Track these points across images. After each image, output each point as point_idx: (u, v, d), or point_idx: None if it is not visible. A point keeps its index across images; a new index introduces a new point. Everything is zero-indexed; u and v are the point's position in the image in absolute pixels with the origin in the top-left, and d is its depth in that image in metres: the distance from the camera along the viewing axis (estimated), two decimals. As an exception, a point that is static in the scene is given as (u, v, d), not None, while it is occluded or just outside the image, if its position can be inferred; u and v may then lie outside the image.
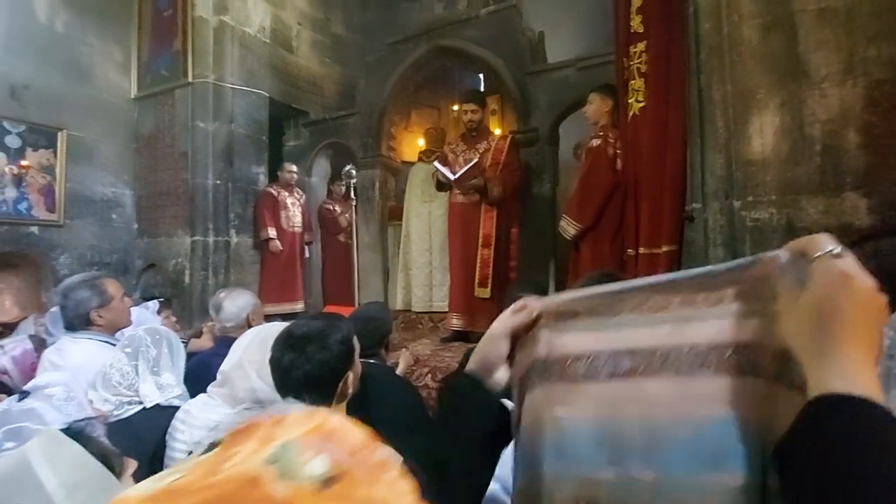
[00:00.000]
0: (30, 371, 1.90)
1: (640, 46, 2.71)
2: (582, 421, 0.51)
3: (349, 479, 0.32)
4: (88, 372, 1.59)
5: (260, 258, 4.86)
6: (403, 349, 2.65)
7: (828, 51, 2.11)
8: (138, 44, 4.71)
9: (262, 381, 1.23)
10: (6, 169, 3.81)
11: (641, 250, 2.73)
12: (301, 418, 0.37)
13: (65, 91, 4.22)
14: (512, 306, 0.61)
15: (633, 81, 2.76)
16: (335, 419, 0.38)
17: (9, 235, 3.89)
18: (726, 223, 2.35)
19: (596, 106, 3.11)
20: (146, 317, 2.53)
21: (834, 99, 2.10)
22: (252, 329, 1.53)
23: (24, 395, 1.15)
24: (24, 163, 3.89)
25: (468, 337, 3.64)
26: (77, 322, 1.85)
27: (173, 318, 3.40)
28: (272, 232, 4.71)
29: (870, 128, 2.03)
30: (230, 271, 4.63)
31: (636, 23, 2.74)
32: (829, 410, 0.36)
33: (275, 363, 1.13)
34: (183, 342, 2.41)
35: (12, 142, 3.85)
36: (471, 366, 0.60)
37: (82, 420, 0.98)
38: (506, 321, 0.60)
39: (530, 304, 0.59)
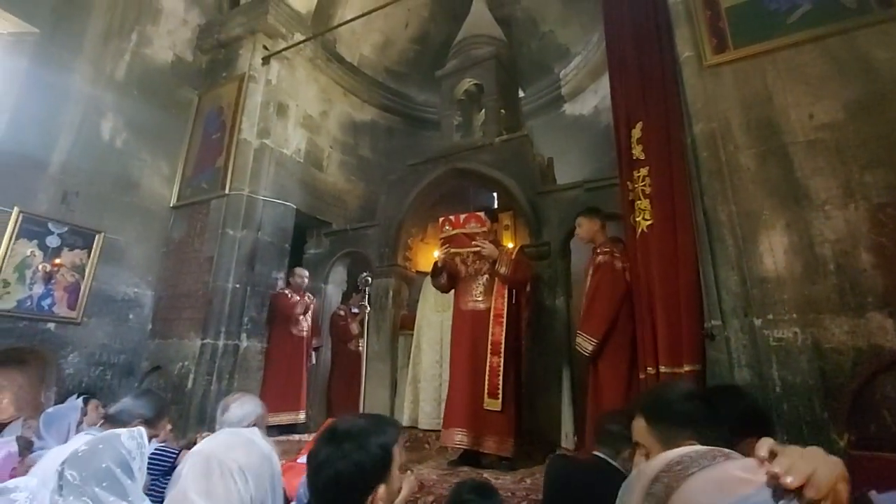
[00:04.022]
0: (8, 476, 1.77)
1: (643, 171, 2.90)
2: None
3: None
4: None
5: (264, 364, 4.75)
6: (407, 472, 2.42)
7: (824, 177, 2.22)
8: (185, 160, 5.24)
9: None
10: (39, 266, 3.99)
11: (662, 369, 2.60)
12: None
13: (111, 198, 4.61)
14: None
15: (638, 202, 2.90)
16: None
17: (26, 331, 3.93)
18: (749, 343, 2.27)
19: (586, 227, 3.35)
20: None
21: (839, 221, 2.15)
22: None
23: (-6, 495, 1.06)
24: (57, 261, 4.09)
25: (478, 460, 3.34)
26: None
27: (168, 427, 3.23)
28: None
29: (881, 249, 2.04)
30: (235, 377, 4.50)
31: (637, 151, 2.97)
32: None
33: (310, 457, 1.06)
34: (173, 454, 2.26)
35: (52, 241, 4.10)
36: None
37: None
38: None
39: None
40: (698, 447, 0.55)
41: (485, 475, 3.09)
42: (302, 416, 4.65)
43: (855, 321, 2.03)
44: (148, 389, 2.08)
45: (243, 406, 2.11)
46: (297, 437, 4.37)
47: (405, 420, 4.38)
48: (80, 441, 1.48)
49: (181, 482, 1.16)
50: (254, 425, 2.08)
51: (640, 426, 1.18)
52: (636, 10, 3.20)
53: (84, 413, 2.98)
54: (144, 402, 1.98)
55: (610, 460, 1.84)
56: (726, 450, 0.54)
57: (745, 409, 1.43)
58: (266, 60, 5.26)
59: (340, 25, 5.66)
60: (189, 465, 1.21)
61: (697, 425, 1.04)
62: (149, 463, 1.46)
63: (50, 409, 2.97)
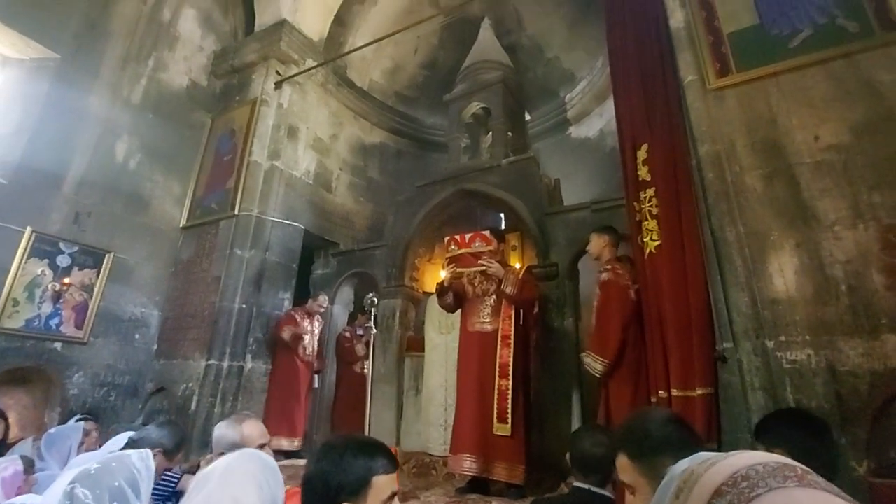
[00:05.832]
0: (14, 494, 1.76)
1: (650, 192, 2.91)
2: None
3: None
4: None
5: (268, 386, 4.70)
6: (413, 501, 2.36)
7: (832, 197, 2.22)
8: (196, 182, 5.33)
9: None
10: (49, 286, 4.03)
11: (674, 392, 2.56)
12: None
13: (122, 218, 4.67)
14: None
15: (645, 222, 2.90)
16: None
17: (33, 350, 3.94)
18: (762, 365, 2.23)
19: (594, 243, 3.36)
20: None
21: (849, 241, 2.14)
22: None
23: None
24: (66, 280, 4.12)
25: (487, 488, 3.25)
26: None
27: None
28: (288, 333, 4.69)
29: (893, 270, 2.02)
30: (239, 399, 4.46)
31: (643, 172, 2.99)
32: None
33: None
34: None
35: (63, 261, 4.15)
36: None
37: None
38: None
39: None
40: (768, 459, 0.48)
41: (493, 503, 3.01)
42: (297, 443, 4.56)
43: (870, 343, 2.00)
44: (171, 420, 2.13)
45: (222, 429, 2.00)
46: (302, 461, 4.29)
47: (412, 445, 4.30)
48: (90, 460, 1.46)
49: (203, 493, 1.08)
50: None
51: (623, 464, 1.11)
52: (639, 35, 3.27)
53: (86, 433, 2.95)
54: (167, 432, 2.03)
55: (596, 489, 1.69)
56: (800, 467, 0.46)
57: (804, 434, 1.39)
58: (278, 85, 5.40)
59: (351, 52, 5.83)
60: (211, 480, 1.13)
61: (678, 450, 0.99)
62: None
63: (52, 430, 2.95)
